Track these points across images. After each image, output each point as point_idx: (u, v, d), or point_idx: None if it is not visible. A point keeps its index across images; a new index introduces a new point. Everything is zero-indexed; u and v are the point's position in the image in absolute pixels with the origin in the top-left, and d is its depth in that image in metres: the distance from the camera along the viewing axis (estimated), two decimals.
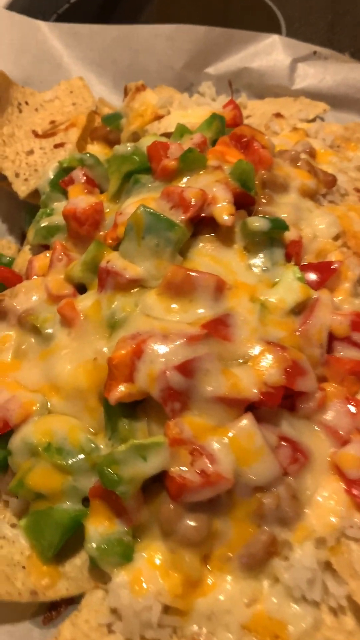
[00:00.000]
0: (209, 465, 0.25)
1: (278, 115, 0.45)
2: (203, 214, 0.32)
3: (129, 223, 0.31)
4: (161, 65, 0.48)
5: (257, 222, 0.32)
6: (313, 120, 0.45)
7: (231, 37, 0.48)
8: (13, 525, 0.29)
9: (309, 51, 0.48)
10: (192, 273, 0.30)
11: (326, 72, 0.47)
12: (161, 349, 0.27)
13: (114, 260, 0.31)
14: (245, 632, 0.25)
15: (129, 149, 0.36)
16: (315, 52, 0.48)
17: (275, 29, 0.53)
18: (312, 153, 0.40)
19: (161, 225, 0.31)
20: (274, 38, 0.48)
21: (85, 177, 0.38)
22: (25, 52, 0.48)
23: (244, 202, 0.33)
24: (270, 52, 0.48)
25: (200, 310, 0.29)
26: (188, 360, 0.27)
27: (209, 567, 0.26)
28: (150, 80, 0.46)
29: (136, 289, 0.31)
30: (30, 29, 0.49)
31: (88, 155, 0.38)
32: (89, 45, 0.49)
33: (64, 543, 0.27)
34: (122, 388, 0.27)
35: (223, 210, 0.32)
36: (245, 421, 0.27)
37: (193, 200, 0.31)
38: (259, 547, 0.26)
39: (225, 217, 0.31)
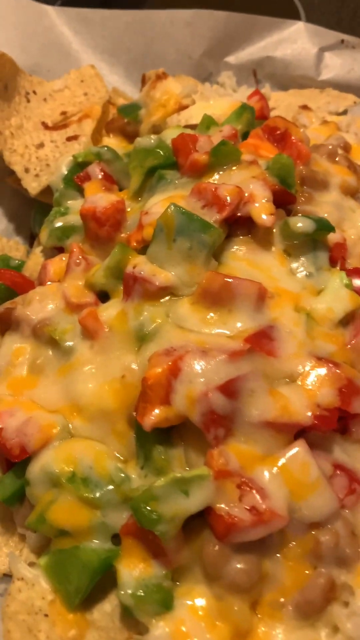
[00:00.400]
0: (260, 500, 0.22)
1: (305, 107, 0.42)
2: (239, 214, 0.29)
3: (158, 224, 0.28)
4: (178, 53, 0.45)
5: (300, 223, 0.28)
6: (343, 112, 0.42)
7: (254, 24, 0.45)
8: (31, 564, 0.26)
9: (336, 40, 0.45)
10: (230, 279, 0.27)
11: (355, 62, 0.45)
12: (201, 366, 0.24)
13: (141, 265, 0.28)
14: None
15: (152, 141, 0.33)
16: (342, 41, 0.45)
17: (294, 18, 0.50)
18: (346, 148, 0.37)
19: (195, 226, 0.27)
20: (299, 25, 0.45)
21: (102, 173, 0.35)
22: (31, 38, 0.45)
23: (284, 201, 0.30)
24: (295, 40, 0.45)
25: (239, 324, 0.26)
26: (232, 380, 0.24)
27: (258, 615, 0.23)
28: (166, 70, 0.42)
29: (167, 298, 0.28)
30: (37, 13, 0.45)
31: (106, 148, 0.35)
32: (100, 32, 0.46)
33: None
34: (157, 412, 0.24)
35: (262, 210, 0.29)
36: (298, 449, 0.24)
37: (229, 199, 0.28)
38: (317, 591, 0.22)
39: (265, 217, 0.28)
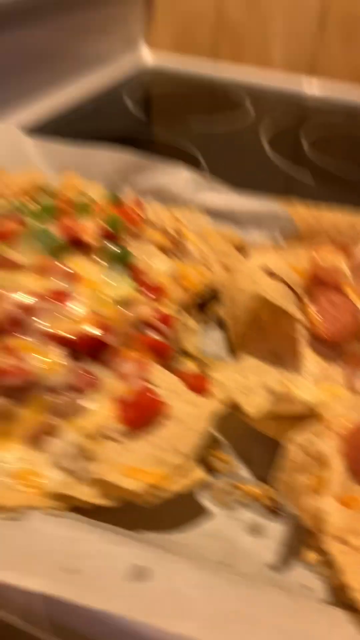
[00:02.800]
0: (20, 363, 0.37)
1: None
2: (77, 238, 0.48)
3: (25, 231, 0.47)
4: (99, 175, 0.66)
5: (113, 246, 0.47)
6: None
7: (152, 165, 0.68)
8: None
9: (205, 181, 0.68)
10: (56, 264, 0.45)
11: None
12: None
13: (7, 251, 0.46)
14: (9, 478, 0.34)
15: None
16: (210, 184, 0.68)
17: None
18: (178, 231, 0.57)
19: (46, 233, 0.46)
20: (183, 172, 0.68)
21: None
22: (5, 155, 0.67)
23: (110, 237, 0.49)
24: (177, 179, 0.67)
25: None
26: (29, 304, 0.40)
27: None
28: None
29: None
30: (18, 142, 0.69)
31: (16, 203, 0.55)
32: (56, 158, 0.69)
33: None
34: None
35: (92, 236, 0.48)
36: (58, 352, 0.39)
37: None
38: (37, 426, 0.36)
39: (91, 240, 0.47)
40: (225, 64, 1.23)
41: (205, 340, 0.50)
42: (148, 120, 0.98)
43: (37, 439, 0.36)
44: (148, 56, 1.25)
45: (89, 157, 0.68)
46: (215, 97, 1.14)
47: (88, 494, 0.34)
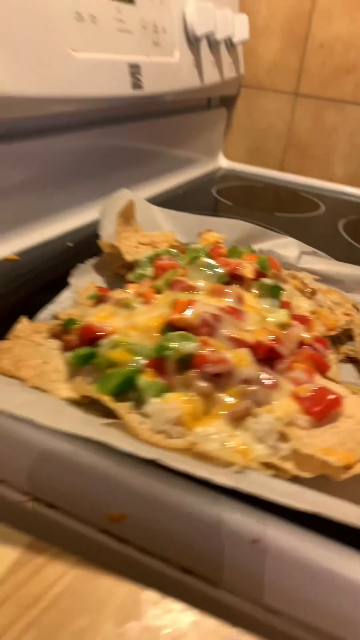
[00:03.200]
0: (221, 355, 0.43)
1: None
2: (236, 272, 0.56)
3: (195, 262, 0.55)
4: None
5: (267, 280, 0.55)
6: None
7: (265, 233, 0.78)
8: None
9: (311, 250, 0.77)
10: (226, 290, 0.52)
11: (321, 262, 0.76)
12: (203, 305, 0.48)
13: (181, 276, 0.54)
14: (223, 446, 0.39)
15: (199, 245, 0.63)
16: (315, 252, 0.77)
17: None
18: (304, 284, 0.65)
19: (213, 266, 0.54)
20: (290, 238, 0.78)
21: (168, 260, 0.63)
22: (139, 217, 0.78)
23: (261, 275, 0.57)
24: (286, 245, 0.77)
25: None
26: (217, 314, 0.47)
27: (206, 417, 0.41)
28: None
29: (192, 292, 0.53)
30: (147, 207, 0.81)
31: (174, 250, 0.64)
32: (179, 222, 0.80)
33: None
34: (176, 316, 0.47)
35: (247, 271, 0.56)
36: (245, 350, 0.45)
37: (231, 263, 0.56)
38: (241, 408, 0.41)
39: (248, 274, 0.55)
40: (291, 175, 1.40)
41: (340, 372, 0.56)
42: (232, 204, 1.11)
43: (239, 419, 0.41)
44: (225, 162, 1.43)
45: (208, 224, 0.79)
46: (286, 193, 1.28)
47: (289, 466, 0.38)
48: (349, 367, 0.57)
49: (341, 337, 0.61)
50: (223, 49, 1.18)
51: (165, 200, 1.04)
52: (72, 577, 0.30)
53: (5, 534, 0.32)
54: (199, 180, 1.25)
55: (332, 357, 0.55)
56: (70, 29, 0.69)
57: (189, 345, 0.43)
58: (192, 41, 1.02)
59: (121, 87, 0.80)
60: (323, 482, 0.39)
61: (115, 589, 0.29)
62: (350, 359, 0.58)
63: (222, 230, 0.76)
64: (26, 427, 0.38)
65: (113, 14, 0.79)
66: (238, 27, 1.20)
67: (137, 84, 0.85)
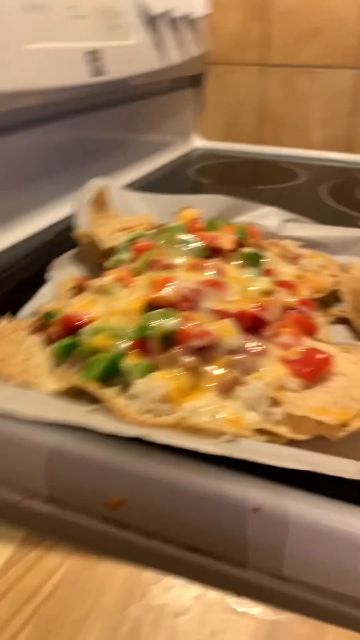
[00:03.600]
0: (203, 327, 0.42)
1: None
2: (214, 245, 0.55)
3: (172, 240, 0.54)
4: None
5: (246, 249, 0.54)
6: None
7: (244, 205, 0.77)
8: None
9: (293, 217, 0.76)
10: (205, 264, 0.51)
11: (302, 227, 0.74)
12: (182, 280, 0.47)
13: (158, 256, 0.53)
14: (214, 418, 0.38)
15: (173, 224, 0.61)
16: (297, 219, 0.76)
17: None
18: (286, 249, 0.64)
19: (190, 241, 0.53)
20: (271, 208, 0.76)
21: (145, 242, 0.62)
22: (115, 204, 0.77)
23: (240, 245, 0.56)
24: (267, 216, 0.76)
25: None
26: (196, 288, 0.46)
27: (194, 392, 0.41)
28: None
29: (169, 270, 0.52)
30: (123, 194, 0.79)
31: (150, 231, 0.63)
32: (156, 204, 0.79)
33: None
34: (156, 295, 0.46)
35: (226, 242, 0.54)
36: (228, 320, 0.44)
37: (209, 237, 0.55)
38: (228, 378, 0.40)
39: (227, 246, 0.54)
40: (268, 147, 1.38)
41: (332, 333, 0.55)
42: (212, 182, 1.09)
43: (228, 389, 0.40)
44: (200, 142, 1.41)
45: (185, 202, 0.77)
46: (265, 166, 1.26)
47: (283, 430, 0.37)
48: (341, 328, 0.56)
49: (330, 300, 0.60)
50: (183, 26, 1.16)
51: (143, 186, 1.03)
52: (68, 566, 0.29)
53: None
54: (174, 163, 1.23)
55: (321, 319, 0.54)
56: (19, 21, 0.67)
57: (170, 322, 0.42)
58: (150, 22, 1.00)
59: (78, 76, 0.79)
60: (320, 444, 0.38)
61: (114, 573, 0.29)
62: (341, 320, 0.57)
63: (199, 206, 0.75)
64: (15, 423, 0.37)
65: (64, 1, 0.77)
66: (197, 2, 1.18)
67: (97, 71, 0.83)
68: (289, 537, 0.32)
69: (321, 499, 0.33)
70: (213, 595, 0.28)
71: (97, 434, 0.35)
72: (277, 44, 1.31)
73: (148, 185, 1.06)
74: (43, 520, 0.37)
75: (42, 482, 0.37)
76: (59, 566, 0.29)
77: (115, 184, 0.81)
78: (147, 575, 0.29)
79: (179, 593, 0.28)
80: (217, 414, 0.38)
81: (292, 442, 0.37)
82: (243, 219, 0.75)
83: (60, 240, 0.68)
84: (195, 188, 1.07)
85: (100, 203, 0.69)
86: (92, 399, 0.42)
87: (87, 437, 0.36)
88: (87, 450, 0.36)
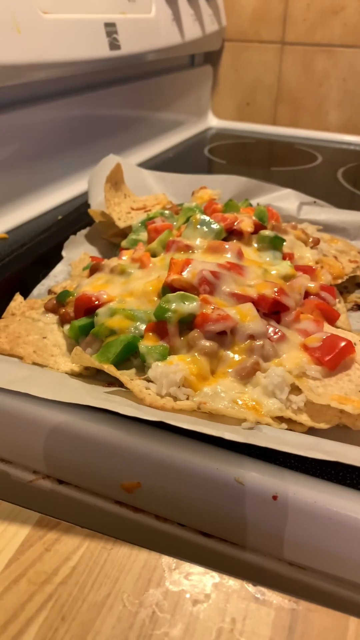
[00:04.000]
0: (224, 312, 0.41)
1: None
2: (234, 227, 0.53)
3: (190, 220, 0.52)
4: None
5: (266, 232, 0.53)
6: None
7: (262, 186, 0.75)
8: None
9: (310, 200, 0.74)
10: (225, 246, 0.50)
11: (322, 211, 0.73)
12: (201, 263, 0.46)
13: (176, 238, 0.52)
14: (233, 403, 0.37)
15: (193, 204, 0.60)
16: (315, 202, 0.75)
17: None
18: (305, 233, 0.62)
19: (209, 222, 0.52)
20: (289, 190, 0.75)
21: (162, 221, 0.61)
22: (130, 182, 0.76)
23: (260, 228, 0.55)
24: (286, 198, 0.74)
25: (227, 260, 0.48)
26: (216, 271, 0.45)
27: (213, 376, 0.40)
28: None
29: (189, 252, 0.50)
30: (137, 171, 0.78)
31: (166, 212, 0.62)
32: (171, 184, 0.78)
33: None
34: (175, 277, 0.45)
35: (246, 225, 0.53)
36: (248, 304, 0.43)
37: (228, 219, 0.53)
38: (249, 364, 0.40)
39: (248, 229, 0.53)
40: (284, 128, 1.35)
41: (351, 320, 0.54)
42: (226, 163, 1.07)
43: (247, 375, 0.39)
44: (215, 121, 1.38)
45: (201, 182, 0.76)
46: (281, 147, 1.24)
47: (304, 418, 0.37)
48: (358, 315, 0.55)
49: (348, 286, 0.59)
50: (202, 1, 1.12)
51: (156, 165, 1.01)
52: (85, 549, 0.29)
53: (14, 512, 0.31)
54: (189, 141, 1.21)
55: (340, 306, 0.53)
56: None
57: (190, 306, 0.41)
58: None
59: (99, 49, 0.77)
60: (340, 432, 0.37)
61: (132, 558, 0.28)
62: (358, 306, 0.56)
63: (216, 187, 0.73)
64: (32, 404, 0.37)
65: None
66: None
67: (114, 44, 0.81)
68: (302, 525, 0.31)
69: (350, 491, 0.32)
70: (233, 583, 0.27)
71: (112, 415, 0.34)
72: (297, 21, 1.27)
73: (161, 163, 1.04)
74: (57, 502, 0.37)
75: (55, 463, 0.37)
76: (76, 549, 0.29)
77: (130, 162, 0.80)
78: (166, 560, 0.28)
79: (199, 580, 0.28)
80: (237, 400, 0.37)
81: (311, 430, 0.37)
82: (261, 200, 0.74)
83: (76, 217, 0.67)
84: (210, 168, 1.05)
85: (116, 180, 0.68)
86: (107, 380, 0.41)
87: (104, 418, 0.35)
88: (102, 431, 0.35)
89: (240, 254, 0.49)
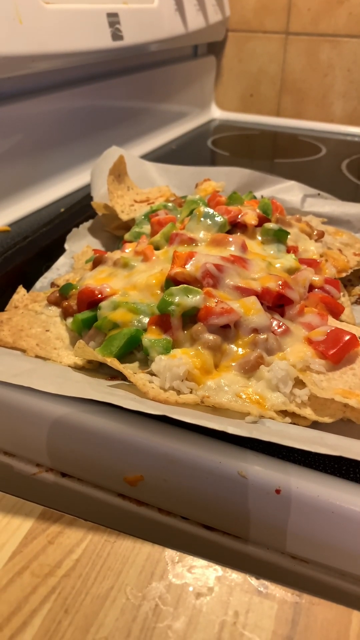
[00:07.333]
0: (227, 305, 0.41)
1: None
2: (238, 220, 0.53)
3: (194, 213, 0.52)
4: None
5: (270, 225, 0.52)
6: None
7: (265, 178, 0.75)
8: None
9: (314, 192, 0.74)
10: (228, 239, 0.49)
11: (325, 203, 0.72)
12: (204, 256, 0.45)
13: (179, 229, 0.51)
14: (237, 397, 0.37)
15: (196, 197, 0.60)
16: (319, 194, 0.74)
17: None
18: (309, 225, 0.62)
19: (213, 215, 0.52)
20: (293, 182, 0.74)
21: (165, 214, 0.60)
22: (133, 174, 0.75)
23: (264, 221, 0.54)
24: (289, 190, 0.74)
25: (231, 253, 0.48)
26: (219, 264, 0.45)
27: (216, 370, 0.40)
28: None
29: (192, 244, 0.50)
30: (141, 164, 0.78)
31: (170, 204, 0.62)
32: (175, 176, 0.77)
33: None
34: (178, 270, 0.44)
35: (250, 218, 0.53)
36: (252, 298, 0.43)
37: (232, 211, 0.53)
38: (252, 357, 0.39)
39: (252, 222, 0.52)
40: (288, 120, 1.34)
41: (355, 314, 0.53)
42: (229, 155, 1.07)
43: (251, 369, 0.39)
44: (218, 112, 1.37)
45: (204, 174, 0.75)
46: (284, 139, 1.23)
47: (308, 412, 0.37)
48: None
49: (352, 279, 0.58)
50: None
51: (159, 157, 1.01)
52: (89, 542, 0.29)
53: (17, 505, 0.31)
54: (192, 133, 1.21)
55: (344, 299, 0.52)
56: None
57: (193, 299, 0.41)
58: None
59: (101, 39, 0.76)
60: (344, 427, 0.37)
61: (135, 551, 0.28)
62: None
63: (219, 179, 0.73)
64: (35, 398, 0.37)
65: None
66: None
67: (117, 35, 0.80)
68: (305, 519, 0.31)
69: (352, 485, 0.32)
70: (235, 576, 0.27)
71: (115, 408, 0.34)
72: (302, 10, 1.26)
73: (164, 155, 1.03)
74: (60, 495, 0.37)
75: (59, 456, 0.37)
76: (79, 542, 0.29)
77: (133, 154, 0.79)
78: (169, 553, 0.28)
79: (201, 573, 0.28)
80: (240, 394, 0.37)
81: (314, 424, 0.37)
82: (264, 192, 0.73)
83: (78, 210, 0.67)
84: (213, 160, 1.05)
85: (119, 172, 0.67)
86: (110, 374, 0.41)
87: (107, 411, 0.35)
88: (105, 425, 0.35)
89: (244, 247, 0.49)
